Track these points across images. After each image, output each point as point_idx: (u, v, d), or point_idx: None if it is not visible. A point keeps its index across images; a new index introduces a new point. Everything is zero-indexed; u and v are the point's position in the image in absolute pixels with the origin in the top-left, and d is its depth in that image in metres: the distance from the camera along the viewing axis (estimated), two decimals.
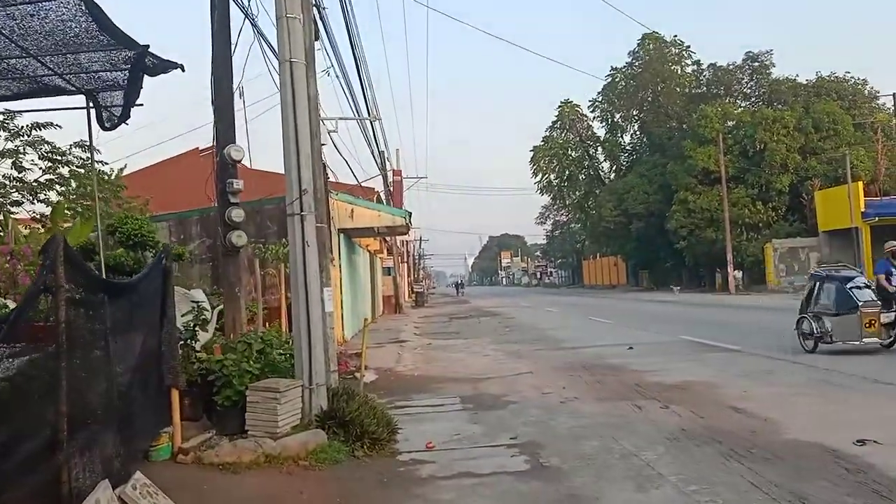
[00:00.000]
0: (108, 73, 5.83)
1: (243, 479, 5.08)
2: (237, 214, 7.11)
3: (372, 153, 24.51)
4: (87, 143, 14.94)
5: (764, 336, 13.43)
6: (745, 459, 5.17)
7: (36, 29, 4.75)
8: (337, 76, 15.34)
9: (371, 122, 17.82)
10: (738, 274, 39.33)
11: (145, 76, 5.75)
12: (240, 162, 7.12)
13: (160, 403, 5.42)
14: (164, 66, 5.67)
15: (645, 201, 47.52)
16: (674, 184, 43.96)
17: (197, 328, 6.55)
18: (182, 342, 6.44)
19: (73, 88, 6.12)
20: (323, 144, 14.65)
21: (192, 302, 6.71)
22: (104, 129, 6.52)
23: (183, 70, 5.76)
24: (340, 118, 17.15)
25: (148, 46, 5.33)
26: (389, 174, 31.95)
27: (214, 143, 7.09)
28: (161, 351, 5.47)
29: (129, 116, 6.33)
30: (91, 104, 6.41)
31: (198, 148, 23.71)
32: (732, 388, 8.15)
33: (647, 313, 24.19)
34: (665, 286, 48.01)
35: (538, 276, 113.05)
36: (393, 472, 5.40)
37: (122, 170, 17.51)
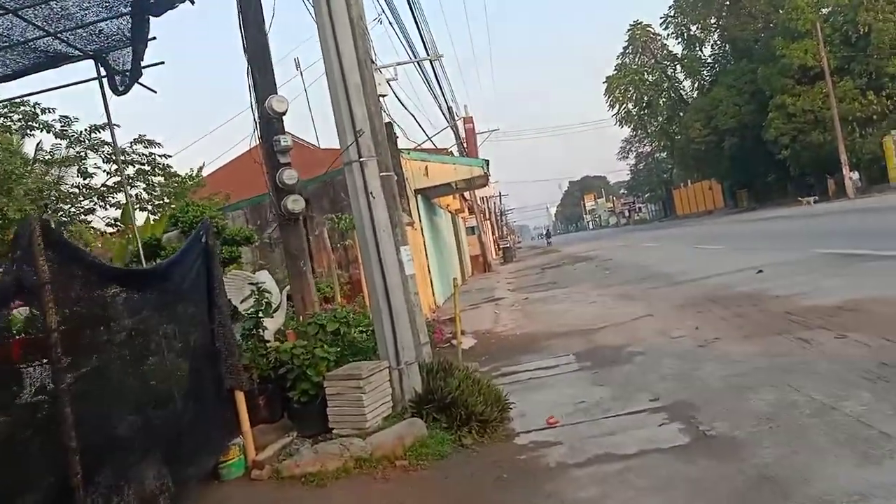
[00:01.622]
0: (110, 25, 4.86)
1: (330, 493, 4.07)
2: (289, 176, 6.06)
3: (439, 107, 23.16)
4: (146, 139, 14.63)
5: None
6: None
7: None
8: (390, 23, 14.06)
9: (431, 62, 16.46)
10: (854, 175, 35.61)
11: (151, 18, 4.73)
12: (284, 114, 6.03)
13: (224, 410, 4.50)
14: (170, 1, 4.62)
15: (736, 114, 43.93)
16: (767, 89, 40.25)
17: (261, 314, 5.61)
18: (245, 333, 5.53)
19: (78, 52, 5.21)
20: (383, 96, 13.57)
21: (250, 285, 5.76)
22: (117, 93, 5.61)
23: (192, 3, 4.71)
24: (398, 63, 15.83)
25: None
26: (460, 124, 30.45)
27: (252, 97, 6.03)
28: (216, 348, 4.54)
29: (141, 74, 5.37)
30: (102, 71, 5.50)
31: None
32: None
33: (759, 232, 21.91)
34: (768, 202, 44.46)
35: (626, 214, 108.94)
36: (512, 463, 4.28)
37: (201, 168, 17.05)
